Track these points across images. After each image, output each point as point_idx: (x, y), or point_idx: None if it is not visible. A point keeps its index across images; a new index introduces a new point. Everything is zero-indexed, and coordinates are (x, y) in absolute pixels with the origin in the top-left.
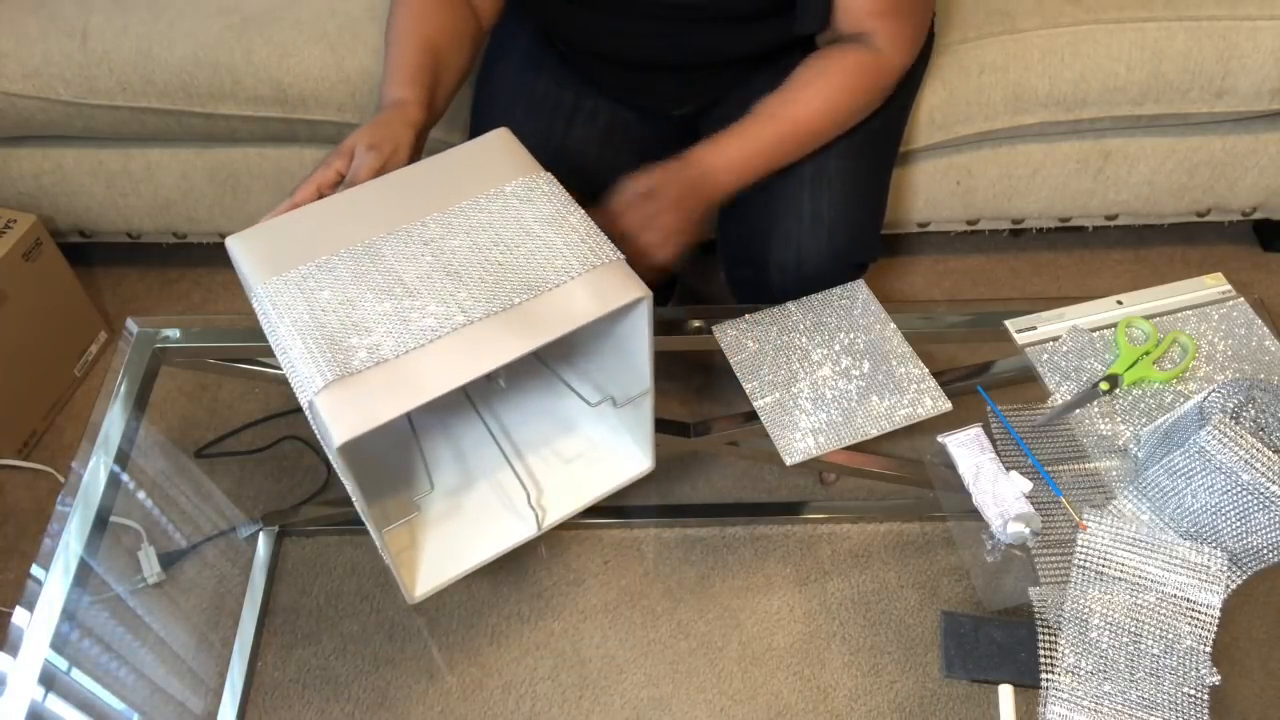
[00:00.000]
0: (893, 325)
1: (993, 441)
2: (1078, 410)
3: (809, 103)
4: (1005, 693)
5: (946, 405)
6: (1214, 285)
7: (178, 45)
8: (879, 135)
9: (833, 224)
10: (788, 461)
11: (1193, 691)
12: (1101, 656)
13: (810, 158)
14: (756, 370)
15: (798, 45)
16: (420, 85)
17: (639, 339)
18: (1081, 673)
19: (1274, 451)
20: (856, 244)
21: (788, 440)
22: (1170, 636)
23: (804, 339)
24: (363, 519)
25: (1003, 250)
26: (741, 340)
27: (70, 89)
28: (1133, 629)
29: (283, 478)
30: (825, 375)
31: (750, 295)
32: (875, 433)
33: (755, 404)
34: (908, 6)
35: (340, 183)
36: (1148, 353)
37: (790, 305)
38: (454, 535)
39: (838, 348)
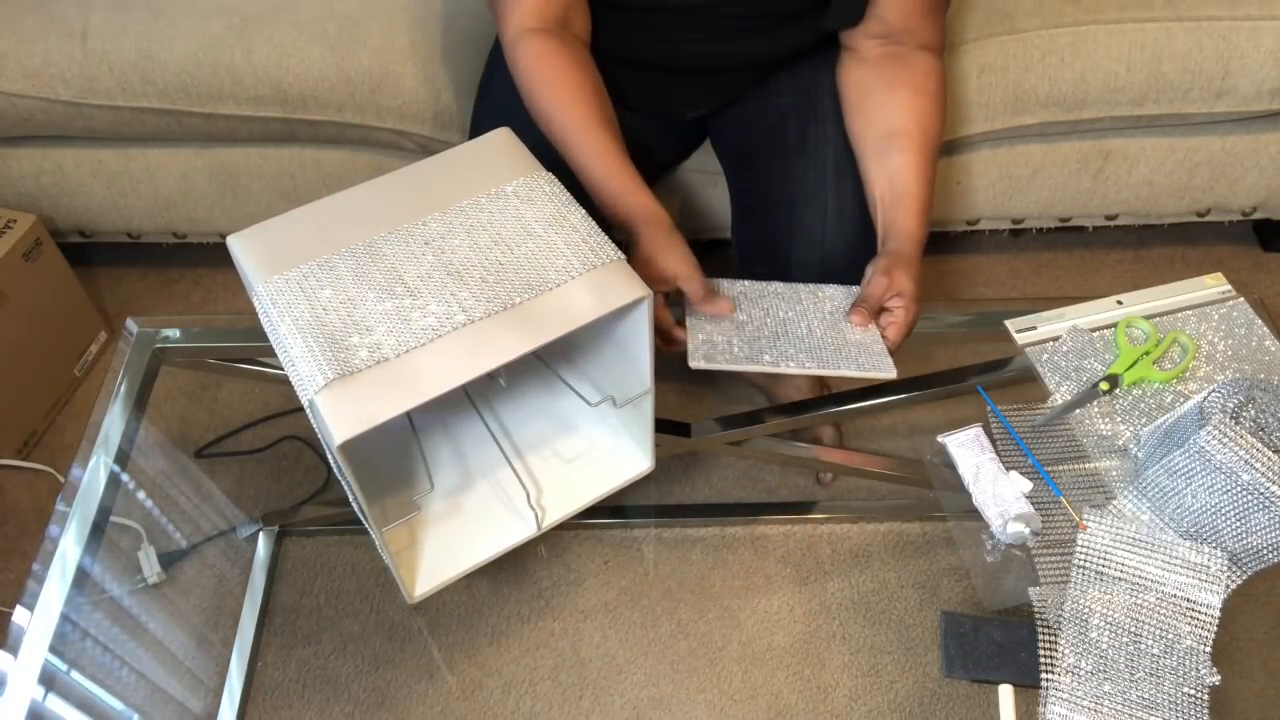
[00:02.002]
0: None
1: (993, 441)
2: (1078, 410)
3: (933, 127)
4: (1005, 693)
5: (890, 372)
6: (1214, 285)
7: (178, 45)
8: None
9: (857, 219)
10: (691, 363)
11: (1193, 691)
12: (1101, 656)
13: (833, 154)
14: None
15: (818, 47)
16: (630, 180)
17: (639, 339)
18: (1081, 673)
19: (1274, 451)
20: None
21: (702, 345)
22: (1170, 636)
23: (782, 307)
24: (362, 518)
25: (1003, 250)
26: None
27: (70, 89)
28: (1133, 629)
29: (283, 478)
30: (779, 316)
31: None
32: (794, 370)
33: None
34: (944, 3)
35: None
36: (1148, 353)
37: (787, 287)
38: (454, 535)
39: (809, 317)
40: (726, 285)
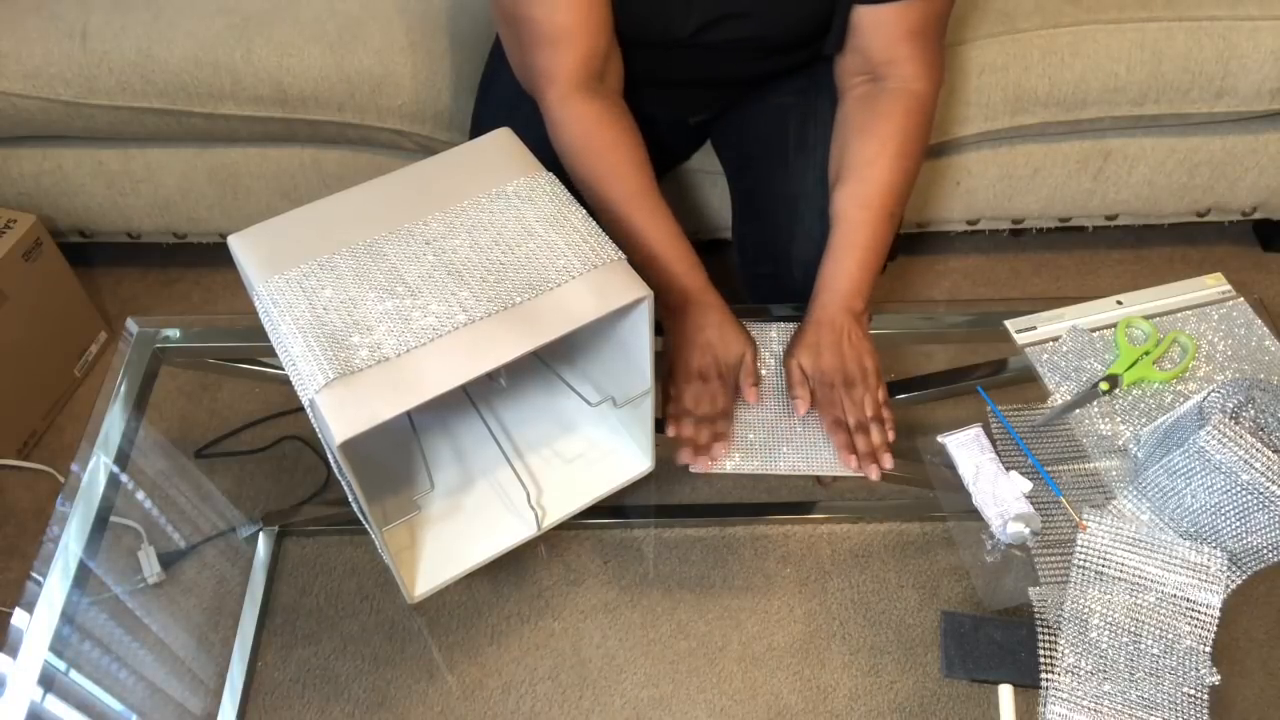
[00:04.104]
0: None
1: (993, 441)
2: (1078, 410)
3: (882, 177)
4: (1005, 693)
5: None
6: (1214, 285)
7: (178, 45)
8: None
9: None
10: (692, 468)
11: (1193, 691)
12: (1101, 656)
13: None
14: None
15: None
16: (690, 256)
17: (640, 339)
18: (1081, 673)
19: (1274, 451)
20: None
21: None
22: (1170, 636)
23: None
24: (362, 518)
25: (1003, 250)
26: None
27: (70, 89)
28: (1133, 629)
29: (283, 478)
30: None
31: (769, 293)
32: (786, 470)
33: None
34: (935, 29)
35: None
36: (1148, 353)
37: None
38: (454, 535)
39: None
40: None
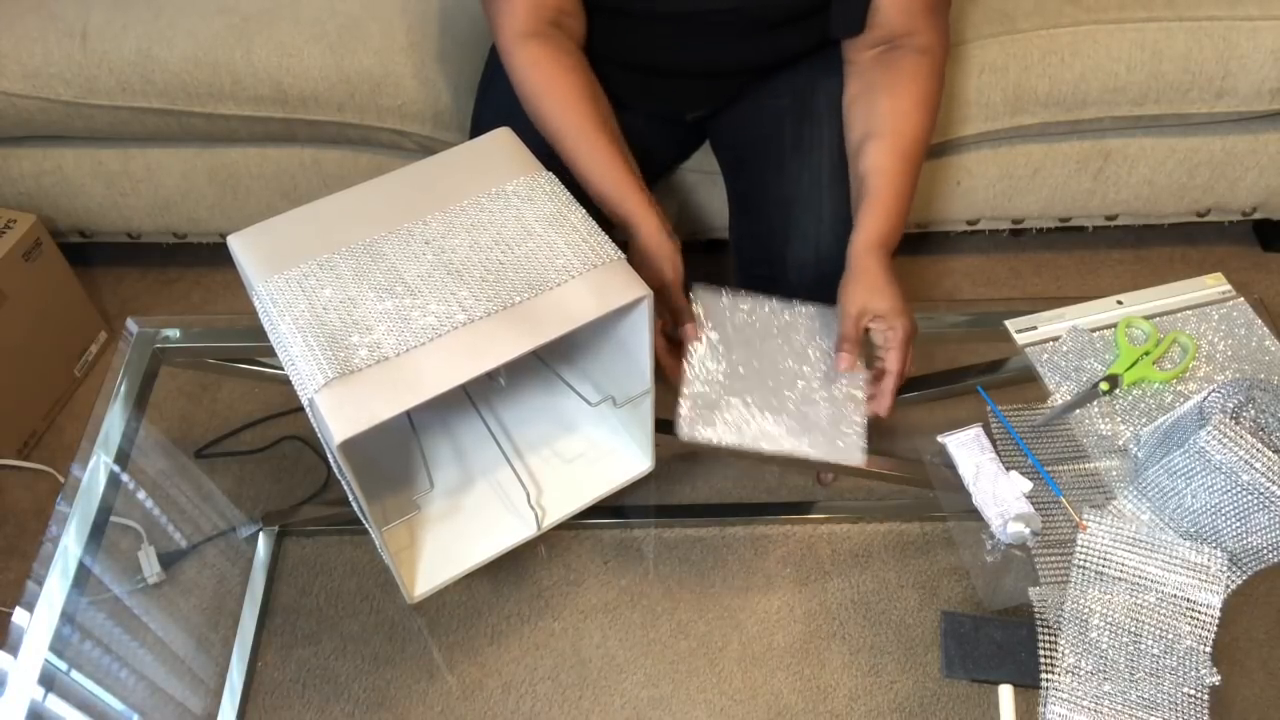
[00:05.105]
0: (863, 375)
1: (993, 441)
2: (1078, 410)
3: (916, 132)
4: (1005, 693)
5: (858, 459)
6: (1214, 285)
7: (178, 45)
8: None
9: (849, 223)
10: (681, 435)
11: (1193, 691)
12: (1101, 656)
13: (829, 156)
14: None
15: (818, 49)
16: (640, 187)
17: (640, 339)
18: (1081, 673)
19: (1274, 451)
20: None
21: (696, 415)
22: (1170, 636)
23: (777, 340)
24: (362, 518)
25: (1003, 250)
26: (720, 309)
27: (70, 89)
28: (1133, 629)
29: (283, 478)
30: (776, 378)
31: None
32: (770, 450)
33: (688, 367)
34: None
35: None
36: (1148, 353)
37: (780, 305)
38: (454, 535)
39: (790, 360)
40: (725, 300)
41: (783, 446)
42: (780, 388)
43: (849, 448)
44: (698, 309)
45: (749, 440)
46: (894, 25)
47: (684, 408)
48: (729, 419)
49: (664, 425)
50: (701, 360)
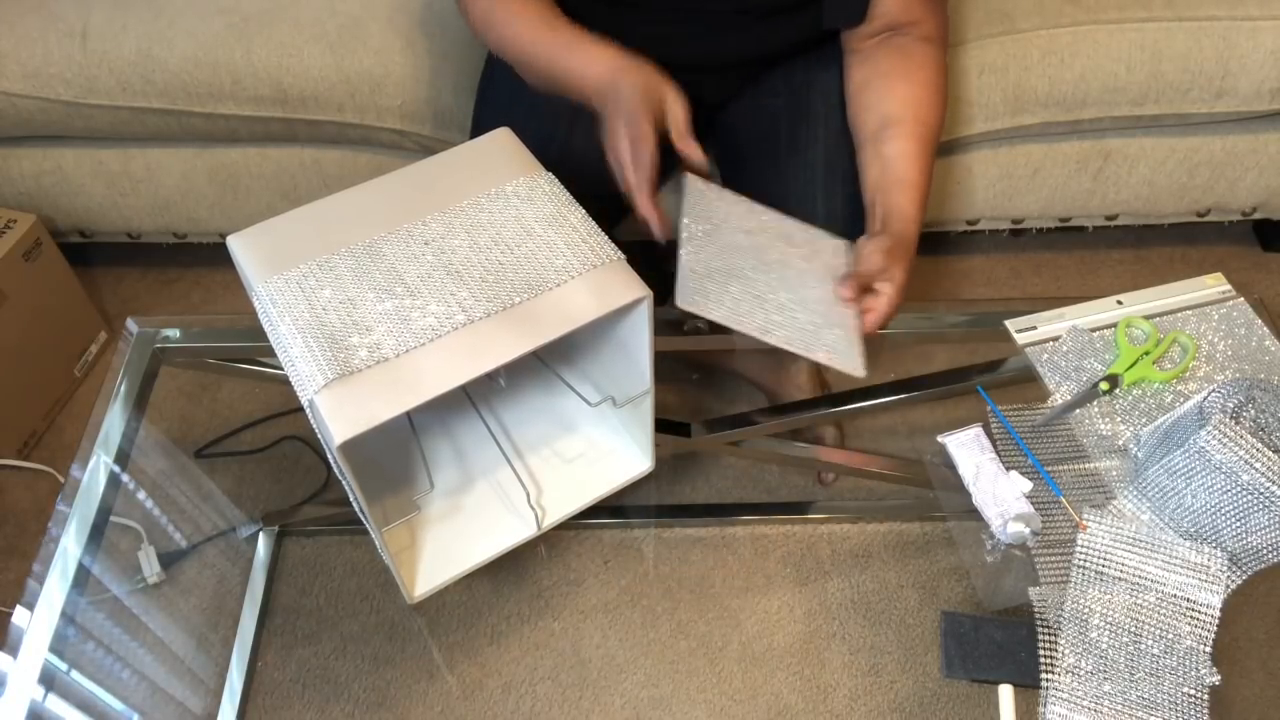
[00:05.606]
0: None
1: (993, 441)
2: (1078, 410)
3: (932, 118)
4: (1005, 693)
5: (859, 370)
6: (1214, 285)
7: (178, 45)
8: None
9: (846, 221)
10: (679, 302)
11: (1193, 691)
12: (1101, 656)
13: (822, 155)
14: (698, 214)
15: (815, 44)
16: (584, 54)
17: (639, 339)
18: (1081, 673)
19: (1274, 451)
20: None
21: (694, 287)
22: (1170, 636)
23: (778, 244)
24: (362, 518)
25: (1003, 250)
26: (708, 200)
27: (70, 89)
28: (1133, 629)
29: (283, 478)
30: (766, 274)
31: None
32: (771, 343)
33: (682, 243)
34: None
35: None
36: (1148, 353)
37: (778, 215)
38: (454, 535)
39: (789, 268)
40: (729, 200)
41: (785, 342)
42: (779, 289)
43: (850, 356)
44: (691, 194)
45: (750, 329)
46: (895, 15)
47: (682, 276)
48: (727, 303)
49: (664, 425)
50: (696, 241)
